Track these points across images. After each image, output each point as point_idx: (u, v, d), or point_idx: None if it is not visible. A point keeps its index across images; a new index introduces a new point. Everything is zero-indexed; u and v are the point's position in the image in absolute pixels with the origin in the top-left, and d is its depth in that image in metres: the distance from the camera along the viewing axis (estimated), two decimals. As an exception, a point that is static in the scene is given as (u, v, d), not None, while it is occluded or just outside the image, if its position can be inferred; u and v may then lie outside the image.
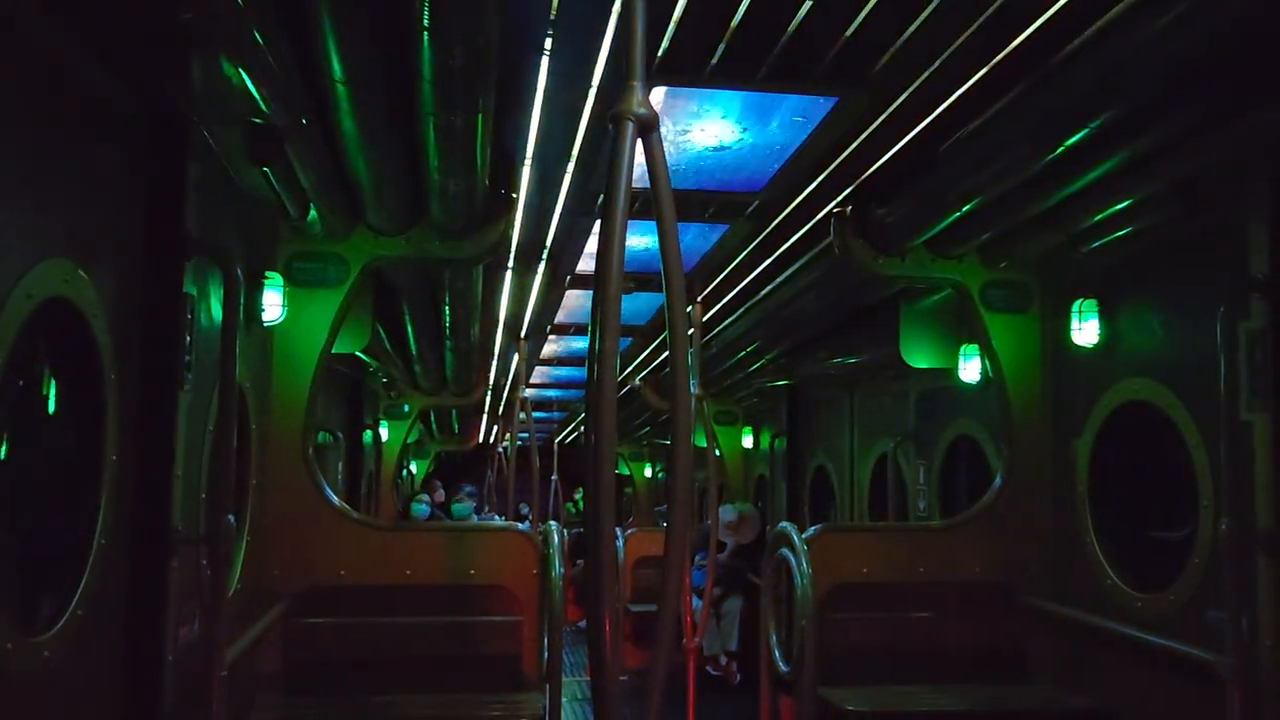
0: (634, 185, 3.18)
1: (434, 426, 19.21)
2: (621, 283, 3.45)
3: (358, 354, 7.57)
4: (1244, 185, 4.23)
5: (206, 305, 4.00)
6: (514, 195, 5.50)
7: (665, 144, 3.65)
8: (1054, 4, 3.43)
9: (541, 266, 7.37)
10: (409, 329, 8.35)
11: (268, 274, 4.92)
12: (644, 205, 3.28)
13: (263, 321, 4.95)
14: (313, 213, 4.91)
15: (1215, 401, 4.19)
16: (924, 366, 7.22)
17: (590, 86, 4.13)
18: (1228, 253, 4.35)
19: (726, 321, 9.05)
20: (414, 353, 9.45)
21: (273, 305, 4.92)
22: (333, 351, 5.66)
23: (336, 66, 3.25)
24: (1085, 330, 5.44)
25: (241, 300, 3.89)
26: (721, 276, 7.62)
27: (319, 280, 5.38)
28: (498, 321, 9.43)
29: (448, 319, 8.00)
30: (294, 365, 5.40)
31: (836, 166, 5.16)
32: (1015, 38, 3.69)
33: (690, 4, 3.49)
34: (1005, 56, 3.82)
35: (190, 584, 3.74)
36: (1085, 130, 3.86)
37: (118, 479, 3.24)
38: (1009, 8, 3.47)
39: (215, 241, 3.88)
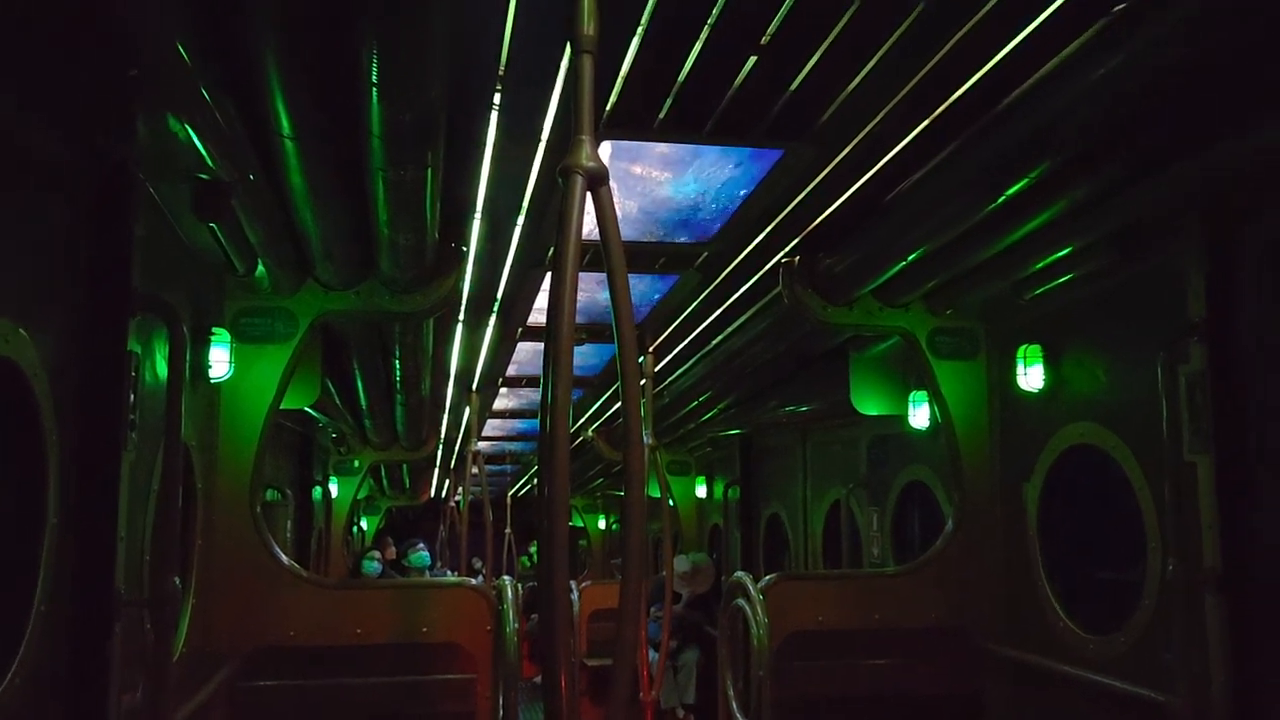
0: (585, 238, 3.21)
1: (385, 482, 18.98)
2: (573, 335, 3.46)
3: (307, 410, 7.48)
4: (1179, 232, 4.34)
5: (152, 363, 3.94)
6: (464, 248, 5.51)
7: (615, 196, 3.70)
8: (991, 59, 3.53)
9: (493, 319, 7.37)
10: (359, 383, 8.28)
11: (215, 330, 4.86)
12: (595, 257, 3.31)
13: (209, 378, 4.88)
14: (260, 268, 4.87)
15: (1159, 443, 4.27)
16: (874, 414, 7.29)
17: (540, 140, 4.16)
18: (1166, 297, 4.46)
19: (678, 371, 9.08)
20: (364, 407, 9.36)
21: (220, 362, 4.85)
22: (281, 407, 5.59)
23: (285, 122, 3.24)
24: (1030, 375, 5.53)
25: (188, 357, 3.84)
26: (673, 327, 7.66)
27: (267, 336, 5.32)
28: (449, 374, 9.38)
29: (398, 373, 7.95)
30: (241, 422, 5.32)
31: (784, 217, 5.24)
32: (955, 91, 3.79)
33: (637, 59, 3.54)
34: (945, 109, 3.91)
35: (134, 649, 3.64)
36: (1024, 181, 3.95)
37: (58, 542, 3.16)
38: (948, 62, 3.56)
39: (161, 298, 3.82)
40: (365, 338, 6.95)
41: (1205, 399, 4.20)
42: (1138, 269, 4.70)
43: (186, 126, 3.23)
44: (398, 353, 7.25)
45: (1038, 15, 3.24)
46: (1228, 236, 4.20)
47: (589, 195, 3.09)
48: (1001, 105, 3.75)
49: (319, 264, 5.09)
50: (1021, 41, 3.38)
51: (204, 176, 3.55)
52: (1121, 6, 3.14)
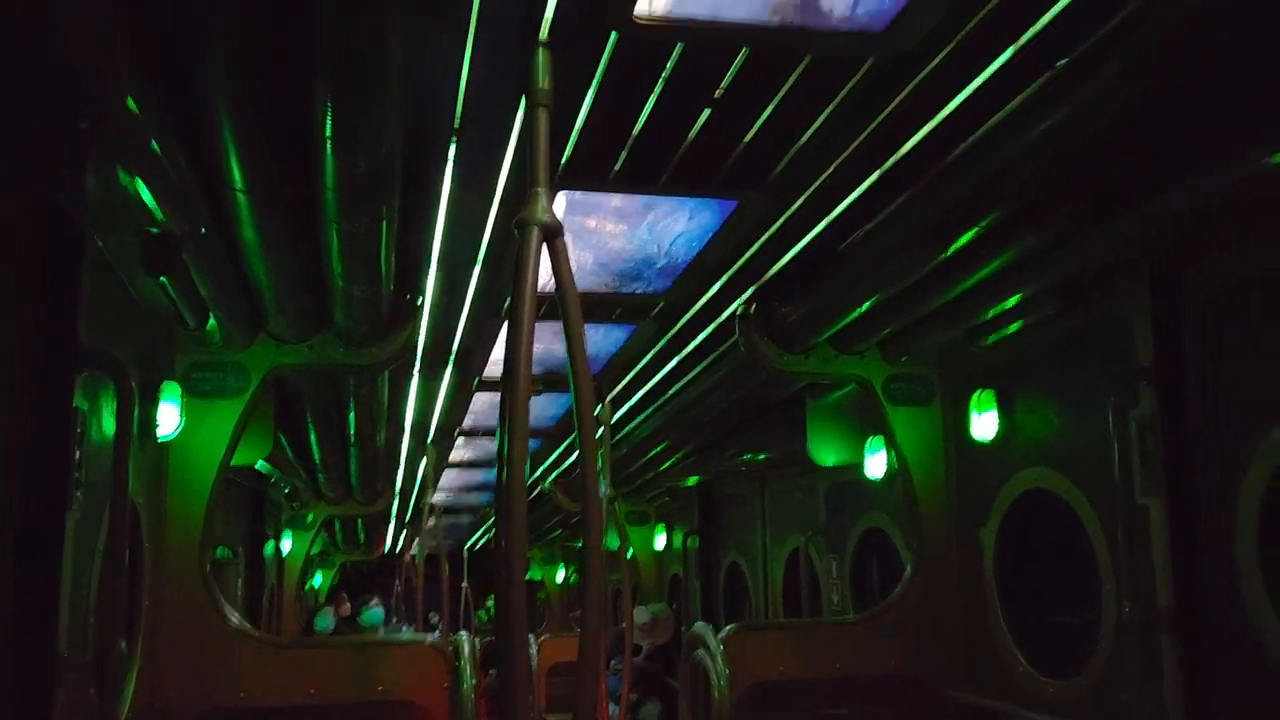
0: (541, 289, 3.21)
1: (339, 536, 18.67)
2: (530, 385, 3.44)
3: (259, 465, 7.36)
4: (1126, 279, 4.43)
5: (99, 420, 3.85)
6: (420, 300, 5.49)
7: (570, 249, 3.70)
8: (939, 113, 3.60)
9: (449, 370, 7.32)
10: (312, 437, 8.17)
11: (164, 385, 4.78)
12: (552, 308, 3.31)
13: (158, 435, 4.79)
14: (212, 321, 4.81)
15: (1111, 486, 4.32)
16: (831, 464, 7.31)
17: (495, 191, 4.17)
18: (1115, 343, 4.54)
19: (636, 420, 9.06)
20: (318, 460, 9.23)
21: (169, 418, 4.77)
22: (232, 464, 5.49)
23: (237, 175, 3.22)
24: (984, 421, 5.59)
25: (136, 414, 3.76)
26: (630, 376, 7.66)
27: (218, 390, 5.24)
28: (405, 426, 9.29)
29: (353, 425, 7.86)
30: (191, 479, 5.22)
31: (739, 267, 5.28)
32: (905, 143, 3.86)
33: (593, 111, 3.57)
34: (896, 161, 3.98)
35: (77, 714, 3.52)
36: (973, 231, 4.02)
37: (-2, 604, 3.06)
38: (897, 116, 3.63)
39: (109, 354, 3.76)
40: (319, 390, 6.87)
41: (1156, 442, 4.27)
42: (1086, 316, 4.78)
43: (136, 179, 3.19)
44: (352, 405, 7.17)
45: (983, 70, 3.32)
46: (1173, 282, 4.29)
47: (545, 248, 3.12)
48: (949, 158, 3.82)
49: (272, 317, 5.04)
50: (968, 96, 3.45)
51: (154, 230, 3.51)
52: (1064, 61, 3.22)
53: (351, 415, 7.47)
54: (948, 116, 3.61)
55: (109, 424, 3.93)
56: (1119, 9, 2.92)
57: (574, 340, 3.28)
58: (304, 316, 5.09)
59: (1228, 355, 4.11)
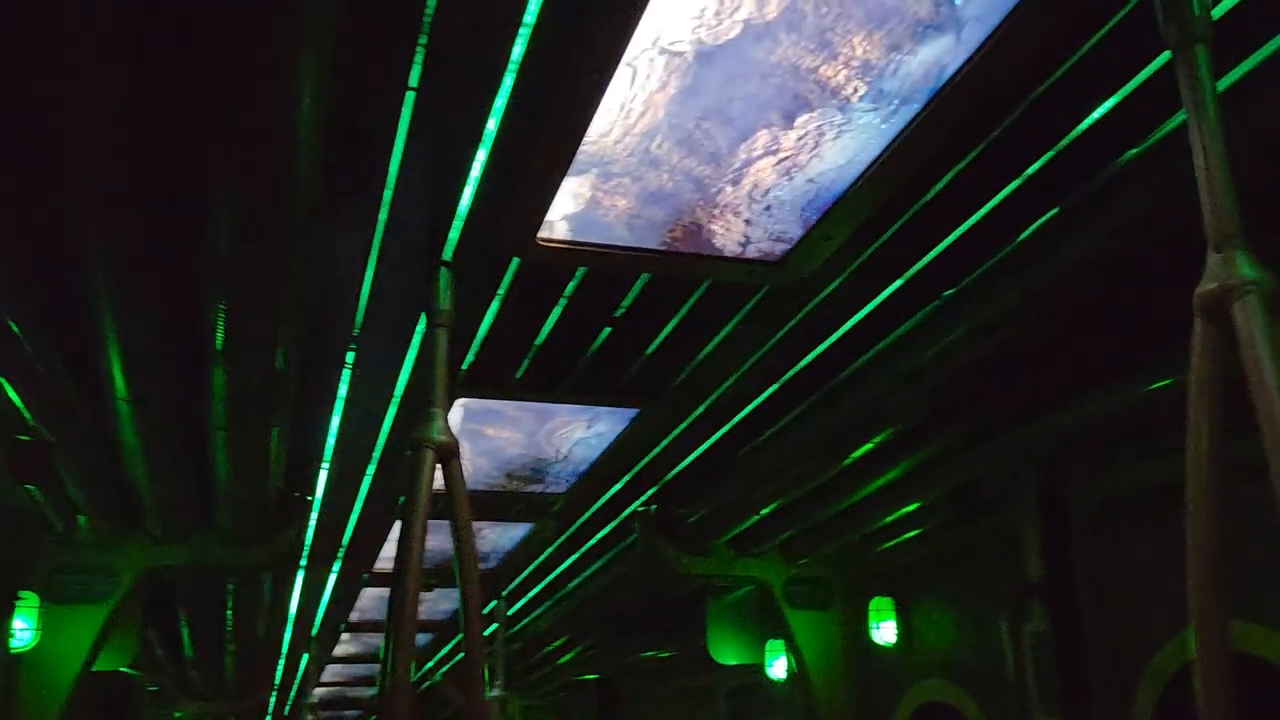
0: (436, 489, 3.12)
1: (211, 733, 17.37)
2: (418, 590, 3.31)
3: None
4: (1015, 493, 4.53)
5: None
6: (309, 498, 5.30)
7: (469, 448, 3.61)
8: (832, 334, 3.70)
9: (337, 565, 7.03)
10: (185, 634, 7.69)
11: (21, 594, 4.44)
12: (446, 508, 3.22)
13: (9, 648, 4.42)
14: (82, 519, 4.55)
15: (1010, 701, 4.28)
16: (732, 663, 7.14)
17: (394, 396, 4.11)
18: (1008, 556, 4.59)
19: (534, 614, 8.80)
20: (190, 657, 8.66)
21: (23, 630, 4.41)
22: (93, 669, 5.09)
23: (121, 385, 3.10)
24: (883, 629, 5.55)
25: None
26: (528, 571, 7.47)
27: (84, 595, 4.89)
28: (288, 619, 8.83)
29: (230, 621, 7.43)
30: (45, 691, 4.81)
31: (640, 469, 5.25)
32: (801, 359, 3.94)
33: (494, 326, 3.57)
34: (792, 376, 4.06)
35: None
36: (868, 445, 4.08)
37: None
38: (793, 335, 3.72)
39: None
40: (197, 588, 6.51)
41: (1049, 659, 4.27)
42: (980, 528, 4.85)
43: (3, 383, 3.05)
44: (231, 602, 6.79)
45: (873, 299, 3.44)
46: (1060, 499, 4.40)
47: (439, 467, 3.05)
48: (843, 375, 3.91)
49: (148, 516, 4.79)
50: (859, 321, 3.57)
51: (24, 437, 3.33)
52: (950, 292, 3.36)
53: (229, 611, 7.07)
54: (840, 339, 3.72)
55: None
56: (999, 250, 3.07)
57: (464, 553, 3.19)
58: (184, 515, 4.86)
59: (1115, 573, 4.19)
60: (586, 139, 2.49)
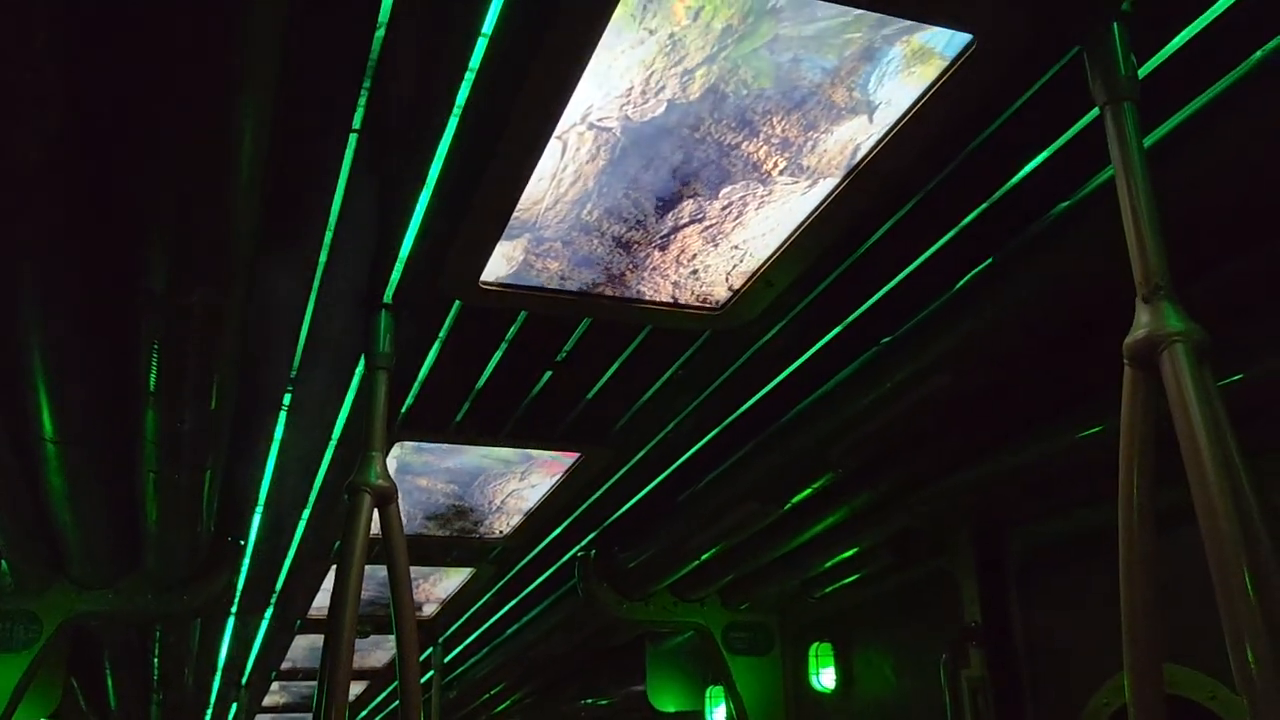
0: (373, 534, 3.07)
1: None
2: (354, 636, 3.25)
3: (43, 719, 6.61)
4: (952, 539, 4.57)
5: None
6: (242, 542, 5.18)
7: (407, 487, 3.57)
8: (773, 379, 3.74)
9: (269, 611, 6.87)
10: (109, 683, 7.45)
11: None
12: (382, 553, 3.17)
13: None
14: (3, 564, 4.40)
15: (949, 749, 4.29)
16: (671, 710, 7.08)
17: (331, 440, 4.05)
18: (945, 601, 4.63)
19: (472, 660, 8.66)
20: (113, 708, 8.39)
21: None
22: (12, 722, 4.90)
23: (48, 425, 3.02)
24: (823, 675, 5.55)
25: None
26: (466, 617, 7.36)
27: (3, 643, 4.72)
28: (217, 667, 8.59)
29: (157, 670, 7.22)
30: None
31: (580, 514, 5.23)
32: (742, 404, 3.97)
33: (434, 369, 3.55)
34: (733, 420, 4.08)
35: None
36: (807, 490, 4.11)
37: None
38: (734, 380, 3.75)
39: None
40: (122, 632, 6.32)
41: (987, 703, 4.29)
42: (918, 573, 4.88)
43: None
44: (158, 650, 6.60)
45: (812, 345, 3.49)
46: (996, 545, 4.45)
47: (376, 511, 3.01)
48: (784, 420, 3.94)
49: (74, 561, 4.65)
50: (799, 367, 3.61)
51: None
52: (887, 340, 3.41)
53: (156, 660, 6.88)
54: (782, 384, 3.76)
55: None
56: (935, 299, 3.13)
57: (401, 599, 3.15)
58: (111, 560, 4.72)
59: (1050, 618, 4.24)
60: (520, 206, 2.63)
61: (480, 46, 2.13)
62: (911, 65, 2.28)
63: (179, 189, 2.21)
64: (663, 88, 2.32)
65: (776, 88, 2.33)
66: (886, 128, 2.45)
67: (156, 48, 1.93)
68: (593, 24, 2.07)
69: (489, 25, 2.08)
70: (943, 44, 2.21)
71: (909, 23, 2.16)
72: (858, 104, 2.39)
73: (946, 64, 2.26)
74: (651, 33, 2.16)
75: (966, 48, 2.21)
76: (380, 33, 2.11)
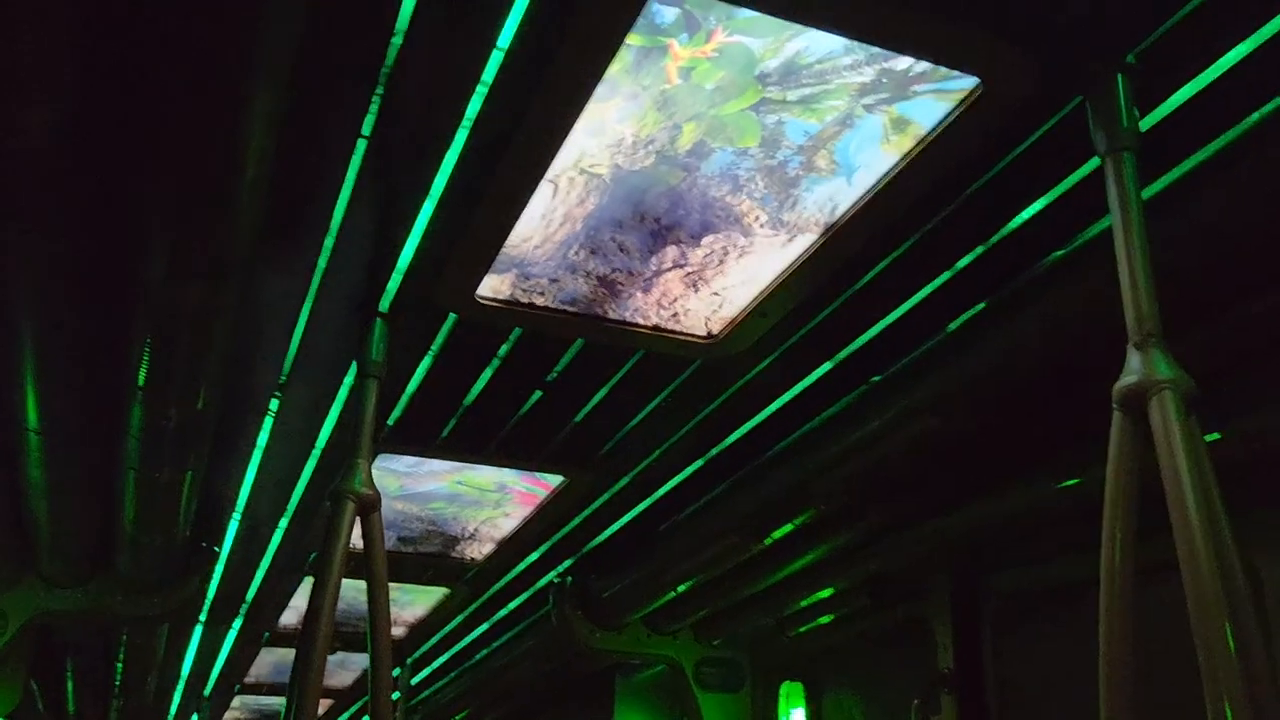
0: (351, 546, 3.06)
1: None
2: (328, 647, 3.22)
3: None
4: (928, 584, 4.57)
5: None
6: (216, 549, 5.13)
7: (388, 500, 3.56)
8: (761, 411, 3.75)
9: (238, 621, 6.79)
10: (69, 686, 7.34)
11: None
12: (359, 567, 3.14)
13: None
14: (-30, 557, 4.35)
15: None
16: (639, 744, 7.02)
17: (315, 450, 4.03)
18: (918, 646, 4.62)
19: (437, 685, 8.57)
20: (71, 712, 8.26)
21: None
22: (-32, 720, 4.82)
23: (33, 416, 3.00)
24: (793, 715, 5.52)
25: None
26: (436, 639, 7.30)
27: (-35, 639, 4.66)
28: (180, 677, 8.48)
29: (119, 675, 7.11)
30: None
31: (559, 538, 5.21)
32: (729, 435, 3.98)
33: (424, 382, 3.55)
34: (718, 452, 4.09)
35: None
36: (790, 525, 4.10)
37: None
38: (722, 411, 3.76)
39: None
40: (88, 637, 6.23)
41: (954, 752, 4.28)
42: (893, 616, 4.87)
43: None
44: (122, 654, 6.52)
45: (802, 380, 3.50)
46: (972, 591, 4.45)
47: (358, 519, 3.00)
48: (770, 454, 3.95)
49: (44, 558, 4.58)
50: (788, 401, 3.62)
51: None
52: (878, 378, 3.43)
53: (120, 664, 6.78)
54: (769, 417, 3.77)
55: None
56: (927, 340, 3.16)
57: (378, 612, 3.13)
58: (82, 559, 4.66)
59: (1024, 667, 4.23)
60: (509, 243, 2.74)
61: (495, 60, 2.15)
62: (890, 135, 2.42)
63: (183, 184, 2.21)
64: (652, 140, 2.45)
65: (761, 147, 2.47)
66: (864, 189, 2.58)
67: (171, 44, 1.94)
68: (589, 75, 2.18)
69: (505, 39, 2.11)
70: (921, 115, 2.35)
71: (889, 94, 2.30)
72: (838, 167, 2.54)
73: (924, 133, 2.39)
74: (644, 88, 2.29)
75: (974, 91, 2.25)
76: (397, 40, 2.13)
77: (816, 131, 2.42)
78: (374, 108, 2.32)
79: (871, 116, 2.37)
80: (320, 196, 2.61)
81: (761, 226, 2.75)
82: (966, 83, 2.23)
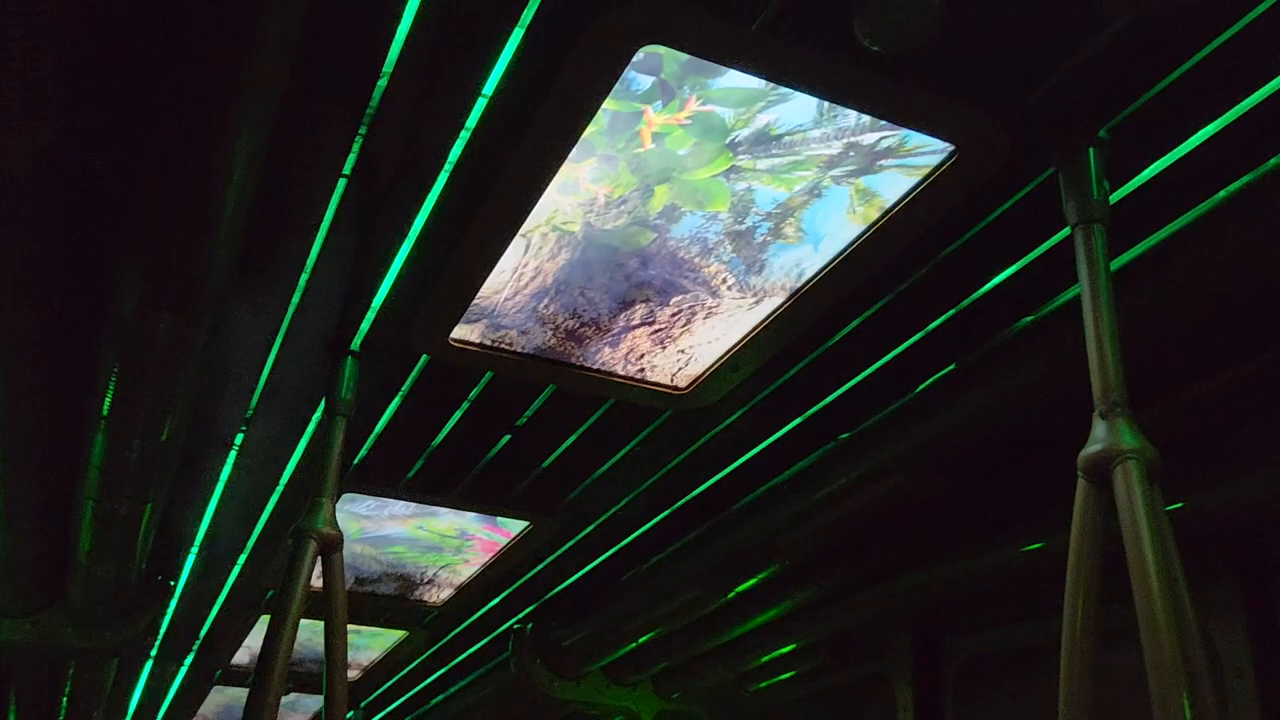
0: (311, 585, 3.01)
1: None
2: (282, 687, 3.16)
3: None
4: (890, 644, 4.56)
5: None
6: (172, 583, 5.04)
7: (349, 543, 3.52)
8: (729, 465, 3.76)
9: (190, 658, 6.66)
10: (11, 718, 7.14)
11: None
12: (316, 607, 3.10)
13: None
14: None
15: None
16: (592, 796, 6.91)
17: (278, 486, 3.99)
18: (880, 705, 4.59)
19: (390, 730, 8.42)
20: (11, 747, 8.03)
21: None
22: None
23: (-8, 442, 2.96)
24: (750, 772, 5.46)
25: None
26: (391, 682, 7.18)
27: (-92, 667, 4.54)
28: (126, 713, 8.28)
29: (64, 710, 6.93)
30: None
31: (521, 584, 5.16)
32: (696, 487, 3.97)
33: (392, 421, 3.53)
34: (685, 503, 4.08)
35: None
36: (754, 580, 4.10)
37: None
38: (690, 462, 3.76)
39: None
40: (33, 670, 6.08)
41: (905, 815, 4.24)
42: (854, 675, 4.85)
43: None
44: (68, 688, 6.36)
45: (772, 434, 3.51)
46: (934, 651, 4.44)
47: (319, 559, 2.96)
48: (736, 508, 3.95)
49: (-7, 587, 4.49)
50: (756, 454, 3.63)
51: None
52: (845, 435, 3.45)
53: (65, 699, 6.61)
54: (736, 470, 3.77)
55: None
56: (896, 400, 3.18)
57: (335, 653, 3.08)
58: (32, 590, 4.56)
59: (983, 730, 4.22)
60: (481, 294, 2.79)
61: (479, 106, 2.17)
62: (856, 206, 2.49)
63: (161, 215, 2.21)
64: (625, 201, 2.51)
65: (730, 212, 2.54)
66: (829, 257, 2.65)
67: (154, 77, 1.94)
68: (566, 136, 2.24)
69: (490, 86, 2.13)
70: (886, 188, 2.43)
71: (856, 167, 2.37)
72: (804, 235, 2.61)
73: (888, 205, 2.46)
74: (619, 151, 2.34)
75: (945, 160, 2.30)
76: (382, 82, 2.14)
77: (784, 200, 2.49)
78: (356, 147, 2.33)
79: (838, 188, 2.44)
80: (297, 233, 2.61)
81: (729, 289, 2.82)
82: (933, 158, 2.30)
